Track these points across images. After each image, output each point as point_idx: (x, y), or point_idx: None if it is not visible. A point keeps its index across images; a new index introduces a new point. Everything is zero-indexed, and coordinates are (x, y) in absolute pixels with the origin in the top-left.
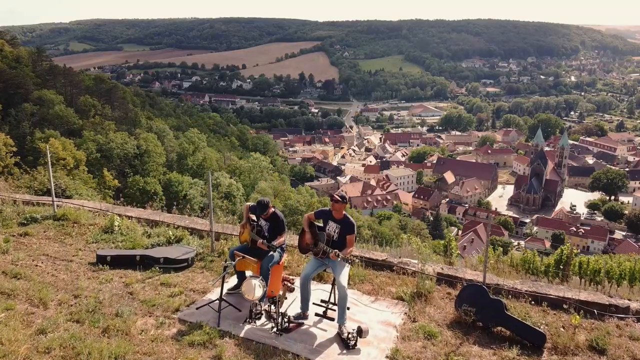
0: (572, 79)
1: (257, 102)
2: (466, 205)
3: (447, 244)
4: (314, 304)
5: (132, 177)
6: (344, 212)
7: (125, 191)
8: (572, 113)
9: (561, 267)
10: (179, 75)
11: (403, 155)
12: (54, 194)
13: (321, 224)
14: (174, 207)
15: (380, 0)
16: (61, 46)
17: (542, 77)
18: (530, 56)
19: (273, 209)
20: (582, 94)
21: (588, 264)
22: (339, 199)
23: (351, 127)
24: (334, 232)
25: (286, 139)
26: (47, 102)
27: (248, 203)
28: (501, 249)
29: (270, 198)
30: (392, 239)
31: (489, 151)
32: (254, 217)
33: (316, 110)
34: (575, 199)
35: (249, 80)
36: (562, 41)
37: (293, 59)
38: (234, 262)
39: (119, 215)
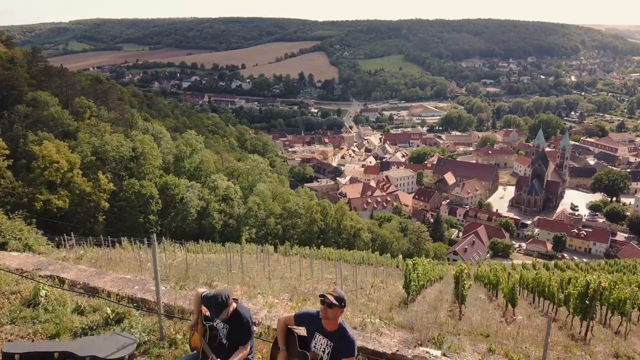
0: (573, 78)
1: (256, 102)
2: (467, 206)
3: (459, 280)
4: None
5: (127, 180)
6: (340, 320)
7: (121, 194)
8: (572, 113)
9: (587, 302)
10: (178, 75)
11: (403, 156)
12: None
13: (303, 332)
14: (171, 211)
15: (380, 0)
16: (60, 46)
17: (542, 77)
18: (530, 56)
19: (235, 306)
20: (583, 94)
21: (610, 292)
22: (334, 301)
23: (351, 128)
24: (323, 351)
25: (285, 139)
26: (42, 104)
27: (200, 290)
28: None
29: (269, 201)
30: (392, 242)
31: (490, 152)
32: (208, 312)
33: (316, 111)
34: (576, 200)
35: (249, 80)
36: (562, 41)
37: (293, 59)
38: None
39: (51, 277)
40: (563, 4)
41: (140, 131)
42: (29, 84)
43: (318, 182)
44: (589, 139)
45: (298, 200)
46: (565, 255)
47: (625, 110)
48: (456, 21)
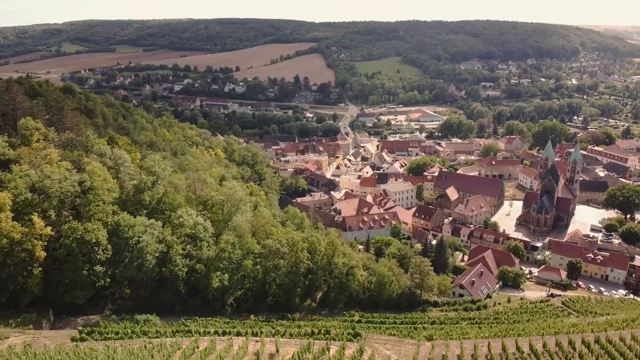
0: (573, 81)
1: (250, 106)
2: (471, 226)
3: None
4: None
5: (68, 224)
6: None
7: (61, 240)
8: (575, 118)
9: None
10: (170, 77)
11: (401, 166)
12: None
13: None
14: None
15: (377, 1)
16: (53, 47)
17: (542, 79)
18: (529, 58)
19: None
20: (585, 97)
21: None
22: None
23: (347, 134)
24: None
25: (278, 147)
26: None
27: None
28: None
29: (248, 236)
30: (390, 281)
31: (493, 162)
32: None
33: (311, 115)
34: (588, 217)
35: (242, 83)
36: (562, 42)
37: (288, 61)
38: None
39: None
40: (561, 3)
41: (97, 155)
42: None
43: (311, 196)
44: (596, 148)
45: (282, 234)
46: (580, 283)
47: (630, 115)
48: (454, 22)
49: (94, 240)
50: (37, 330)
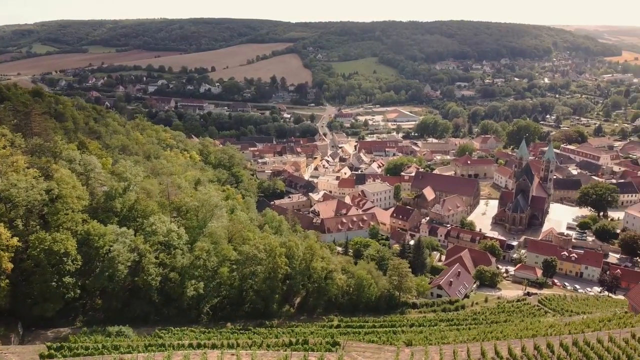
0: (546, 80)
1: (226, 107)
2: (448, 225)
3: None
4: None
5: (35, 234)
6: None
7: (28, 252)
8: (548, 116)
9: None
10: (144, 78)
11: (379, 167)
12: None
13: None
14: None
15: (352, 1)
16: (24, 49)
17: (516, 79)
18: (503, 57)
19: None
20: (557, 96)
21: None
22: None
23: (325, 135)
24: None
25: (255, 149)
26: None
27: None
28: None
29: (224, 242)
30: (369, 284)
31: (469, 162)
32: None
33: (288, 116)
34: (562, 215)
35: (218, 84)
36: (535, 42)
37: (265, 61)
38: None
39: None
40: (533, 4)
41: (66, 161)
42: None
43: (289, 198)
44: (569, 147)
45: (259, 239)
46: (555, 280)
47: (601, 113)
48: (429, 23)
49: (62, 251)
50: (5, 345)
